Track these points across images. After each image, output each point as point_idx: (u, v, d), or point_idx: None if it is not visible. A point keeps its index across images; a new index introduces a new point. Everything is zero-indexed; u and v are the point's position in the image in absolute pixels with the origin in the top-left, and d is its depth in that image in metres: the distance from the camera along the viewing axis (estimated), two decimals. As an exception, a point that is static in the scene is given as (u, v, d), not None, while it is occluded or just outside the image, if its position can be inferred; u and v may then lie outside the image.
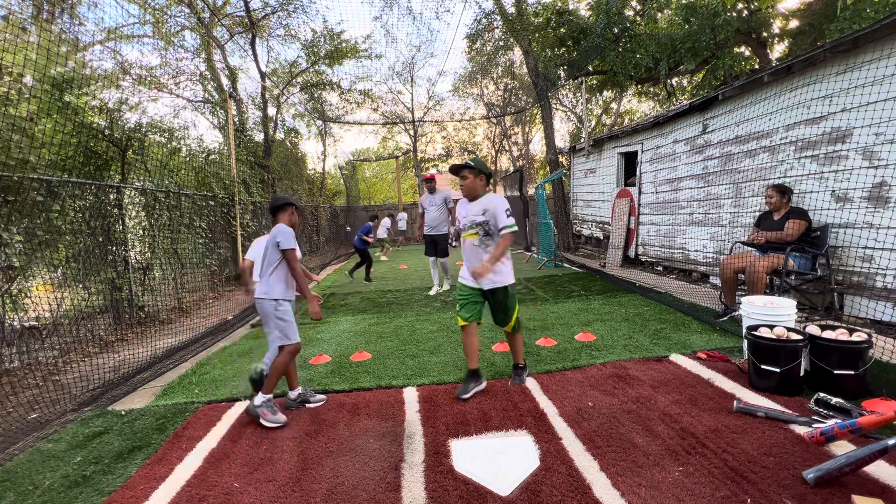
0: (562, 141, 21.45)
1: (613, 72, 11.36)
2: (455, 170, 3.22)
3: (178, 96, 14.80)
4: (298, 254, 3.54)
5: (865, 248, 4.29)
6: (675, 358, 3.69)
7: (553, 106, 16.52)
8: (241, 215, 9.45)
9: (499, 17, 13.67)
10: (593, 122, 20.46)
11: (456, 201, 4.36)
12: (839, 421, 2.33)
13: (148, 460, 2.61)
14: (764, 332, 3.08)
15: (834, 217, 4.52)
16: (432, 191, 6.94)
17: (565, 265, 9.37)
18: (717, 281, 6.17)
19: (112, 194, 5.95)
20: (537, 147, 26.28)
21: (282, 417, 2.97)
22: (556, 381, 3.36)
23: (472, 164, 3.12)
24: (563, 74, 12.91)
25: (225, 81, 13.67)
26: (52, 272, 5.28)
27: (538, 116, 18.94)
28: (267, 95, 14.19)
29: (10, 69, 4.62)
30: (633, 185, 8.94)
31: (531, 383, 3.35)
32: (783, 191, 4.57)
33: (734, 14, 10.69)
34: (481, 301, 3.20)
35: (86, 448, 2.79)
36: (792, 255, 4.33)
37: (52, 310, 5.03)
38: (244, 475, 2.40)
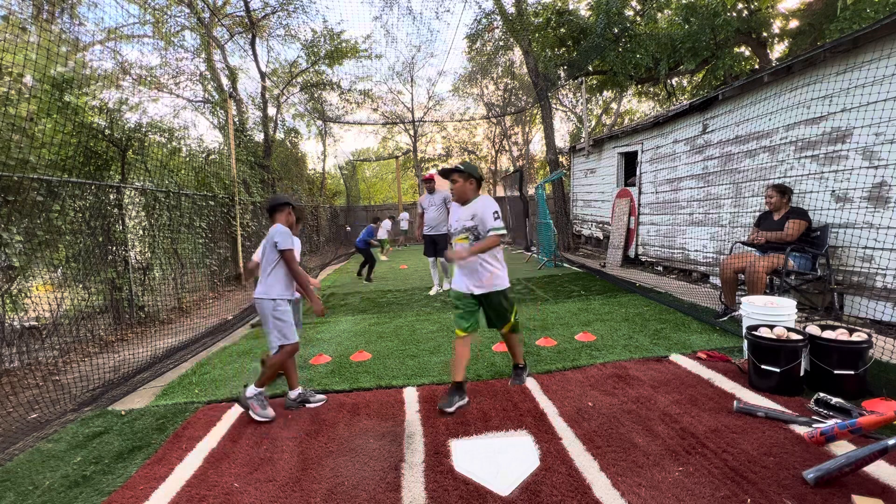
0: (562, 141, 21.46)
1: (613, 72, 11.36)
2: (445, 173, 3.18)
3: (178, 96, 14.82)
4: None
5: (865, 248, 4.29)
6: (675, 358, 3.69)
7: (553, 106, 16.53)
8: (241, 215, 9.45)
9: (499, 17, 13.67)
10: (593, 122, 20.47)
11: None
12: (839, 421, 2.33)
13: (148, 460, 2.61)
14: (764, 332, 3.08)
15: (834, 217, 4.52)
16: (432, 191, 6.95)
17: (565, 265, 9.37)
18: (717, 281, 6.17)
19: (112, 194, 5.95)
20: (537, 147, 26.31)
21: (270, 412, 3.02)
22: (556, 381, 3.36)
23: (462, 168, 3.09)
24: (563, 74, 12.91)
25: (225, 81, 13.68)
26: (52, 272, 5.28)
27: (538, 116, 18.95)
28: (267, 95, 14.20)
29: (10, 69, 4.62)
30: (633, 185, 8.94)
31: (531, 383, 3.35)
32: (783, 191, 4.57)
33: (734, 14, 10.69)
34: (477, 307, 3.14)
35: (86, 448, 2.79)
36: (792, 255, 4.33)
37: (52, 310, 5.03)
38: (244, 475, 2.40)
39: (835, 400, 2.64)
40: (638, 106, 21.50)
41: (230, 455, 2.61)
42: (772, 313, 3.27)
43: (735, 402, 2.76)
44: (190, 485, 2.34)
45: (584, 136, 11.47)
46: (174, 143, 8.05)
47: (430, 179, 7.07)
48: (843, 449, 2.24)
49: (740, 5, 10.97)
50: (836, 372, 2.84)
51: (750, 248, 4.77)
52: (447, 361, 3.92)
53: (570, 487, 2.13)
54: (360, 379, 3.64)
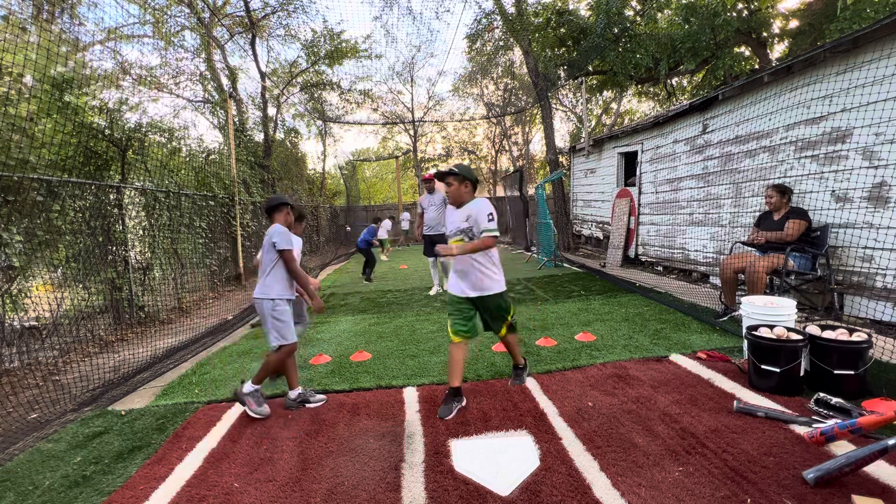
0: (562, 141, 21.46)
1: (613, 72, 11.36)
2: (440, 176, 3.11)
3: (178, 96, 14.82)
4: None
5: (865, 248, 4.29)
6: (675, 358, 3.69)
7: (553, 106, 16.53)
8: (241, 215, 9.46)
9: (499, 17, 13.67)
10: (593, 122, 20.47)
11: None
12: (839, 421, 2.33)
13: (148, 460, 2.61)
14: (764, 332, 3.08)
15: (834, 217, 4.52)
16: (431, 191, 6.95)
17: (565, 265, 9.37)
18: (717, 281, 6.17)
19: (112, 194, 5.95)
20: (537, 147, 26.31)
21: (266, 409, 3.07)
22: (556, 381, 3.36)
23: (458, 170, 3.02)
24: (563, 74, 12.91)
25: (225, 81, 13.68)
26: (52, 272, 5.28)
27: (538, 116, 18.95)
28: (267, 95, 14.20)
29: (10, 69, 4.62)
30: (633, 185, 8.94)
31: (531, 383, 3.35)
32: (783, 191, 4.57)
33: (734, 14, 10.69)
34: (473, 312, 3.07)
35: (86, 448, 2.79)
36: (792, 255, 4.33)
37: (52, 310, 5.03)
38: (244, 475, 2.40)
39: (835, 400, 2.64)
40: (638, 106, 21.51)
41: (230, 455, 2.61)
42: (772, 313, 3.27)
43: (735, 402, 2.76)
44: (190, 485, 2.34)
45: (584, 136, 11.47)
46: (174, 143, 8.06)
47: (430, 179, 7.06)
48: (843, 449, 2.24)
49: (740, 5, 10.97)
50: (836, 372, 2.84)
51: (750, 248, 4.77)
52: (447, 361, 3.91)
53: (570, 487, 2.13)
54: (360, 379, 3.64)
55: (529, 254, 11.86)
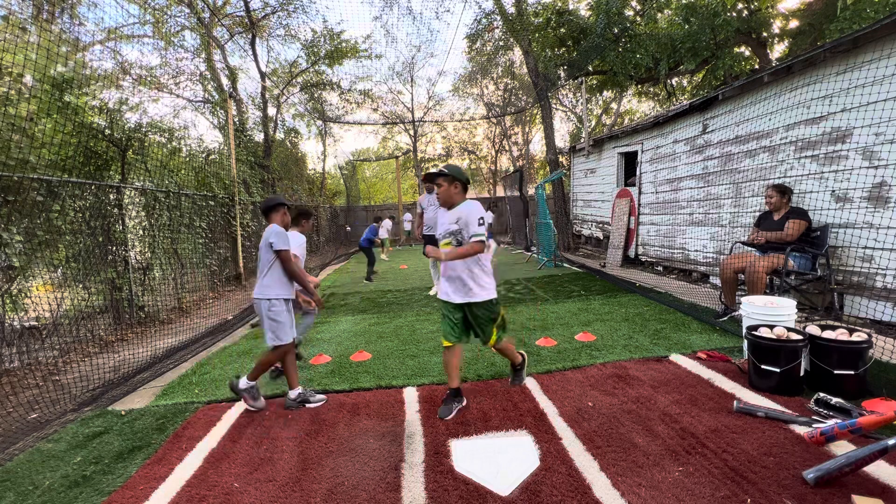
0: (562, 141, 21.47)
1: (613, 72, 11.37)
2: (430, 178, 3.04)
3: (178, 96, 14.83)
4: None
5: (865, 248, 4.29)
6: (675, 358, 3.69)
7: (553, 106, 16.53)
8: (241, 215, 9.46)
9: (499, 17, 13.68)
10: (593, 122, 20.47)
11: None
12: (839, 421, 2.33)
13: (148, 460, 2.61)
14: (764, 332, 3.08)
15: (834, 217, 4.52)
16: (431, 191, 6.94)
17: (565, 265, 9.37)
18: (717, 281, 6.17)
19: (112, 194, 5.95)
20: (537, 147, 26.32)
21: (262, 403, 3.19)
22: (556, 381, 3.36)
23: (447, 171, 2.94)
24: (563, 74, 12.91)
25: (225, 81, 13.69)
26: (52, 272, 5.28)
27: (538, 116, 18.95)
28: (267, 95, 14.20)
29: (10, 69, 4.62)
30: (633, 185, 8.94)
31: (531, 383, 3.35)
32: (783, 191, 4.57)
33: (734, 14, 10.69)
34: (460, 316, 2.99)
35: (86, 448, 2.79)
36: (792, 255, 4.33)
37: (52, 310, 5.03)
38: (244, 475, 2.40)
39: (835, 400, 2.64)
40: (638, 106, 21.52)
41: (230, 455, 2.61)
42: (772, 313, 3.27)
43: (735, 402, 2.76)
44: (190, 485, 2.34)
45: (584, 136, 11.47)
46: (174, 143, 8.06)
47: (430, 179, 7.07)
48: (843, 449, 2.24)
49: (740, 5, 10.98)
50: (836, 372, 2.84)
51: (750, 248, 4.77)
52: (447, 362, 3.92)
53: (570, 487, 2.13)
54: (360, 379, 3.64)
55: (529, 254, 11.86)
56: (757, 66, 11.15)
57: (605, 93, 17.20)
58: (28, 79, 5.06)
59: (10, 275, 4.55)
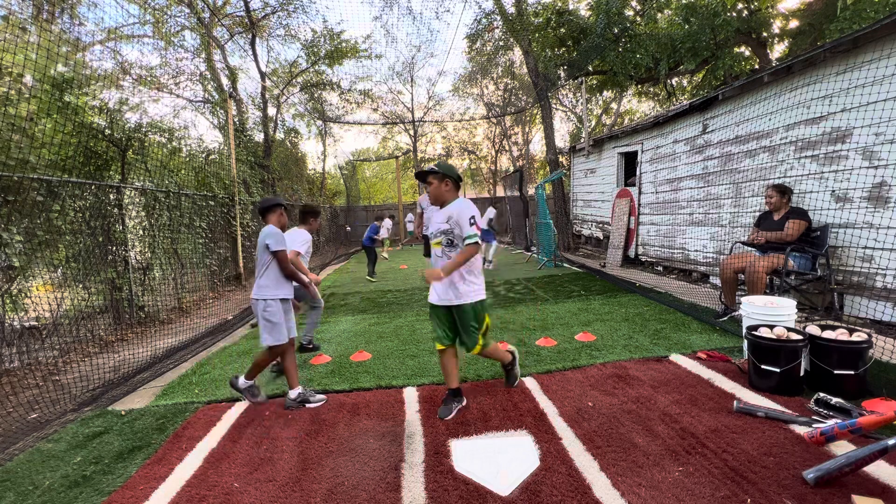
0: (562, 141, 21.47)
1: (613, 72, 11.37)
2: (421, 176, 3.01)
3: (178, 96, 14.82)
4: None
5: (865, 248, 4.29)
6: (675, 358, 3.69)
7: (553, 106, 16.53)
8: (241, 215, 9.46)
9: (499, 17, 13.68)
10: (593, 122, 20.47)
11: None
12: (839, 421, 2.33)
13: (148, 460, 2.61)
14: (764, 332, 3.08)
15: (834, 217, 4.52)
16: (431, 190, 6.95)
17: (565, 265, 9.37)
18: (717, 281, 6.17)
19: (112, 194, 5.95)
20: (537, 147, 26.31)
21: (263, 397, 3.28)
22: (556, 381, 3.36)
23: (437, 168, 2.91)
24: (563, 74, 12.91)
25: (225, 81, 13.68)
26: (52, 272, 5.28)
27: (538, 116, 18.95)
28: (267, 95, 14.20)
29: (10, 69, 4.62)
30: (633, 185, 8.94)
31: (531, 383, 3.35)
32: (783, 191, 4.57)
33: (734, 14, 10.69)
34: (448, 318, 2.95)
35: (86, 448, 2.79)
36: (792, 255, 4.33)
37: (52, 310, 5.03)
38: (244, 475, 2.40)
39: (835, 400, 2.64)
40: (638, 106, 21.51)
41: (230, 455, 2.61)
42: (772, 313, 3.27)
43: (735, 402, 2.76)
44: (190, 485, 2.34)
45: (584, 136, 11.47)
46: (174, 144, 8.05)
47: (430, 179, 7.06)
48: (843, 449, 2.24)
49: (740, 5, 10.97)
50: (836, 372, 2.84)
51: (750, 248, 4.77)
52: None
53: (570, 487, 2.13)
54: (360, 379, 3.64)
55: (529, 254, 11.86)
56: (757, 66, 11.15)
57: (605, 93, 17.19)
58: (28, 79, 5.06)
59: (10, 275, 4.55)
